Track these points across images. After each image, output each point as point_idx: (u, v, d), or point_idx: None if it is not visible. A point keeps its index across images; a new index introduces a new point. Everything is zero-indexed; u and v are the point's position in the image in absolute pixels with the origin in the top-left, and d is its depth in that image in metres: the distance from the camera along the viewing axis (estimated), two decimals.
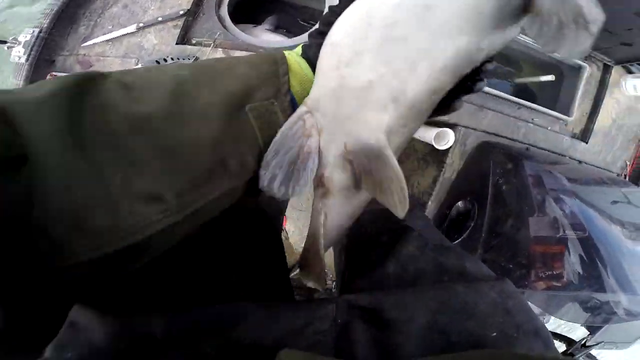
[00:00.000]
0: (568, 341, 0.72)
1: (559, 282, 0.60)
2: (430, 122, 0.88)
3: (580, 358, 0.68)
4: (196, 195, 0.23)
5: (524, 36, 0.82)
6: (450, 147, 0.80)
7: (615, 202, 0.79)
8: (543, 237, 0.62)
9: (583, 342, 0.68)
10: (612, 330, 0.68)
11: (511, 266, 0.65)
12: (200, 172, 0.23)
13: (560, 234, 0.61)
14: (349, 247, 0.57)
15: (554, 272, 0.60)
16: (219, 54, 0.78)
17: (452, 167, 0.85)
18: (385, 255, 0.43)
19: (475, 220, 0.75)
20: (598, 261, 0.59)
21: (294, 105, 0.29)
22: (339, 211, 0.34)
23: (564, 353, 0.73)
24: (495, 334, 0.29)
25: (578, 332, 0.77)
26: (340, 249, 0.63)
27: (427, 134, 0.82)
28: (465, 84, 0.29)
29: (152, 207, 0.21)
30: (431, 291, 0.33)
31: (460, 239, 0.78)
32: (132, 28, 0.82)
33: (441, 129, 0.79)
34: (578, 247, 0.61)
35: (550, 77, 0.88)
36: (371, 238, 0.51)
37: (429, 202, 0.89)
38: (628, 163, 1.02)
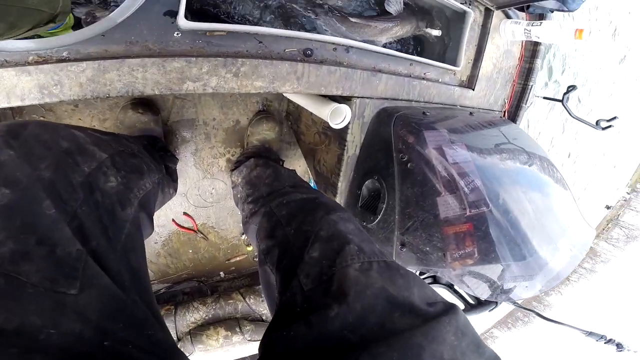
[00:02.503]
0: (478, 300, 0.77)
1: (472, 260, 0.59)
2: (324, 96, 0.74)
3: (503, 302, 0.73)
4: None
5: None
6: (349, 122, 0.69)
7: (498, 145, 0.82)
8: (452, 218, 0.58)
9: (501, 287, 0.72)
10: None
11: (428, 249, 0.62)
12: None
13: (468, 214, 0.58)
14: (279, 266, 0.48)
15: (466, 251, 0.58)
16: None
17: (354, 143, 0.74)
18: (322, 284, 0.37)
19: (386, 201, 0.68)
20: (499, 233, 0.60)
21: None
22: None
23: (487, 301, 0.78)
24: None
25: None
26: (264, 262, 0.53)
27: (322, 111, 0.68)
28: None
29: None
30: (393, 352, 0.29)
31: (375, 222, 0.72)
32: None
33: (336, 105, 0.66)
34: (483, 223, 0.60)
35: (437, 32, 0.80)
36: (301, 251, 0.43)
37: (339, 183, 0.80)
38: (506, 101, 1.09)
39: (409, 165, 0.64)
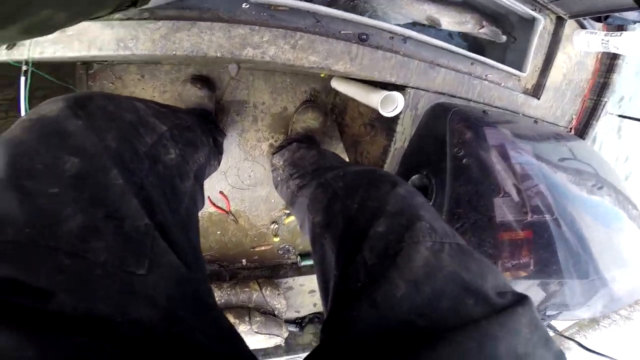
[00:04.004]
0: None
1: (525, 271, 0.51)
2: (376, 83, 0.72)
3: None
4: None
5: None
6: (400, 112, 0.66)
7: (563, 159, 0.74)
8: (509, 223, 0.52)
9: (542, 312, 0.63)
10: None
11: None
12: None
13: (528, 219, 0.51)
14: (343, 242, 0.44)
15: (521, 261, 0.51)
16: None
17: (404, 135, 0.71)
18: (388, 259, 0.34)
19: (434, 199, 0.63)
20: (564, 246, 0.52)
21: None
22: None
23: None
24: None
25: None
26: (315, 229, 0.50)
27: (372, 98, 0.66)
28: None
29: None
30: (472, 342, 0.26)
31: None
32: None
33: (388, 92, 0.63)
34: (545, 232, 0.52)
35: (503, 38, 0.77)
36: (366, 228, 0.39)
37: None
38: (574, 117, 1.00)
39: (464, 160, 0.58)
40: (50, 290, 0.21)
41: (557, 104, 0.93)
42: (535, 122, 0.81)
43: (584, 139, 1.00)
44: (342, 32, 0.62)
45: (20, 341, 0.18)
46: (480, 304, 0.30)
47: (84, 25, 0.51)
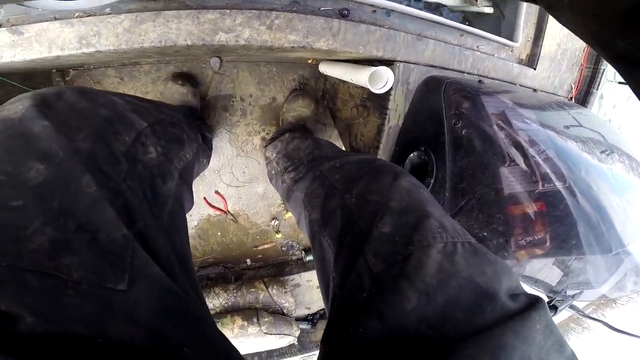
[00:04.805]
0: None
1: (542, 249, 0.47)
2: (363, 60, 0.69)
3: (564, 310, 0.61)
4: None
5: None
6: (391, 88, 0.62)
7: (567, 127, 0.70)
8: (519, 195, 0.48)
9: (562, 292, 0.60)
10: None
11: (486, 234, 0.51)
12: None
13: (540, 189, 0.47)
14: (342, 241, 0.40)
15: (536, 237, 0.47)
16: (6, 35, 0.47)
17: (397, 112, 0.67)
18: (396, 265, 0.31)
19: (435, 175, 0.59)
20: (581, 217, 0.48)
21: None
22: None
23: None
24: None
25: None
26: (313, 227, 0.47)
27: (360, 77, 0.62)
28: None
29: None
30: (485, 355, 0.25)
31: None
32: None
33: (376, 67, 0.60)
34: (559, 202, 0.48)
35: (489, 10, 0.73)
36: (368, 226, 0.37)
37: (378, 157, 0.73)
38: (573, 86, 0.96)
39: (463, 131, 0.55)
40: (16, 314, 0.19)
41: (555, 73, 0.89)
42: (535, 91, 0.77)
43: (586, 108, 0.96)
44: (321, 8, 0.59)
45: None
46: (495, 309, 0.28)
47: (42, 25, 0.48)
